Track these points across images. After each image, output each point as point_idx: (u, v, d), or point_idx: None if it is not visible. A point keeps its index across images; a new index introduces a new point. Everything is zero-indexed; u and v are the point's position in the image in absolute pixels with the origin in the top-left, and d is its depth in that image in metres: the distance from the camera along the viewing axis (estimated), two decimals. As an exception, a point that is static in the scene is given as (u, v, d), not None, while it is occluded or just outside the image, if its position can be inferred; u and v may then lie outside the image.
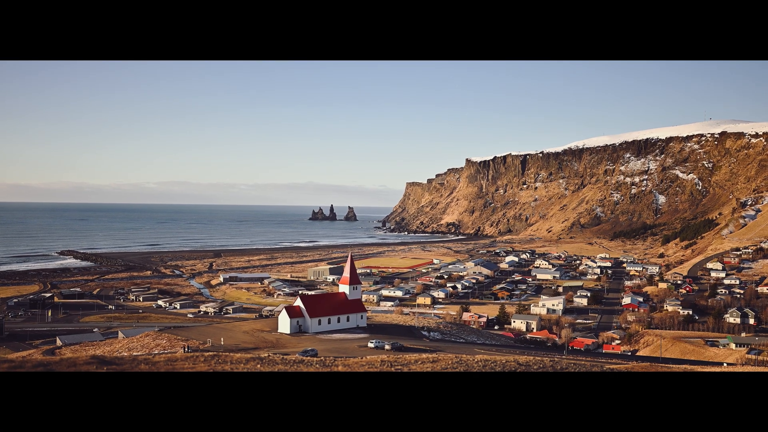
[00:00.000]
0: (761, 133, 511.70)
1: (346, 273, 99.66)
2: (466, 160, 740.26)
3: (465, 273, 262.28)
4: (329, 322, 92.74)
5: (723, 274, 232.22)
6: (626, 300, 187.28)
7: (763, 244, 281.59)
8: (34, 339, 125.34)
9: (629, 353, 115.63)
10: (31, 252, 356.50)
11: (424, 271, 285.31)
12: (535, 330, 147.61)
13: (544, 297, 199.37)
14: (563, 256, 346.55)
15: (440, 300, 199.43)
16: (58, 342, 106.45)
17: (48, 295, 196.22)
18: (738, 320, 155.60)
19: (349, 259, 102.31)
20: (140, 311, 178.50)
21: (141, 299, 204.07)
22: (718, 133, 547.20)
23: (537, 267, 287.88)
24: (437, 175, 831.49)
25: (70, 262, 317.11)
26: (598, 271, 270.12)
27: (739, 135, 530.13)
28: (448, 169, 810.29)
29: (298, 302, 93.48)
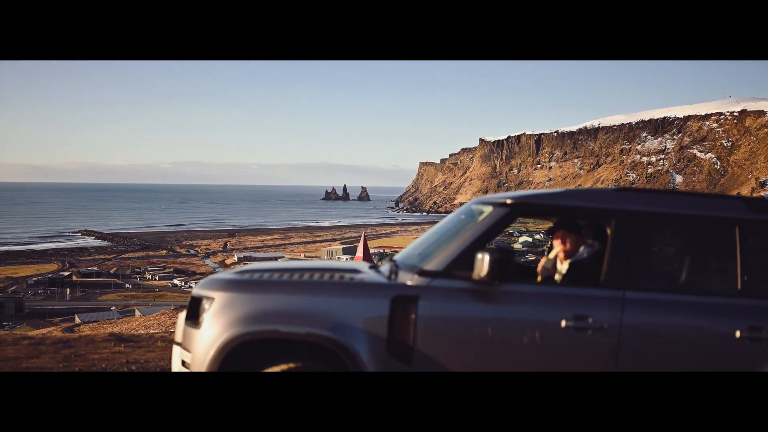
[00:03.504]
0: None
1: (359, 253, 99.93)
2: (480, 139, 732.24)
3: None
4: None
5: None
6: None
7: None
8: (53, 317, 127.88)
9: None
10: (50, 231, 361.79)
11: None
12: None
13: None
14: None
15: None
16: (77, 320, 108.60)
17: (66, 273, 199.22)
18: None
19: (362, 239, 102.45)
20: (156, 290, 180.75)
21: (157, 278, 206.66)
22: (738, 111, 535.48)
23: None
24: (450, 155, 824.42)
25: (88, 241, 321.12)
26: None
27: (760, 113, 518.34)
28: (462, 149, 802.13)
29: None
